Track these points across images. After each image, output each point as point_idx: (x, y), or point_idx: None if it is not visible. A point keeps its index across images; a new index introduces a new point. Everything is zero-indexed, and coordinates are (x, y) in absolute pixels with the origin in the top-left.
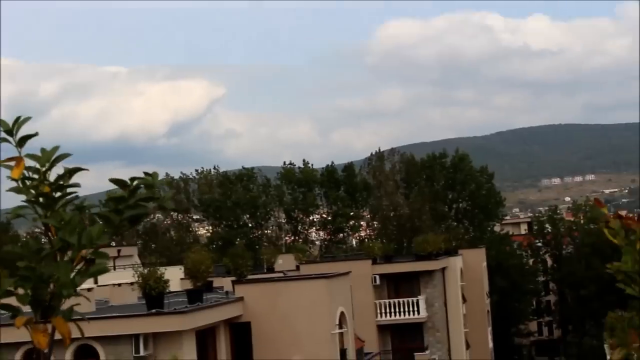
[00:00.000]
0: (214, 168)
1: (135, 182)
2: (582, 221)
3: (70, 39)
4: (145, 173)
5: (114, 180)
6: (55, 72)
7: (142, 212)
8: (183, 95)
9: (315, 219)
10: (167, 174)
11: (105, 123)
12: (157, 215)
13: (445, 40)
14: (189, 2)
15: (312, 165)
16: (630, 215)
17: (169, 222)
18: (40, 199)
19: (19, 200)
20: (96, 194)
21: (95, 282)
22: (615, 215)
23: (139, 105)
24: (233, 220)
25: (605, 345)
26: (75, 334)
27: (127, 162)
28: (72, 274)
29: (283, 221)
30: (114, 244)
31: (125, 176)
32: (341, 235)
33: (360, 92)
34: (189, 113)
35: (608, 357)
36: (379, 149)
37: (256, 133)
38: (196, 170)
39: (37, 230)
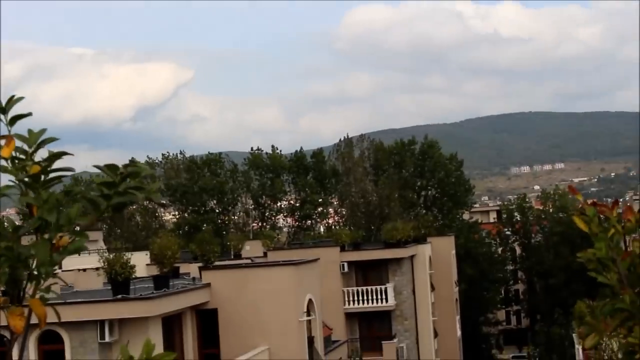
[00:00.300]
0: (180, 153)
1: (128, 169)
2: (551, 210)
3: (35, 20)
4: (133, 160)
5: (106, 166)
6: (18, 53)
7: (131, 199)
8: (150, 78)
9: (283, 206)
10: (132, 159)
11: (70, 106)
12: None
13: (415, 26)
14: None
15: (280, 151)
16: (602, 203)
17: (134, 207)
18: (27, 180)
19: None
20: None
21: (60, 267)
22: (590, 203)
23: (104, 89)
24: (200, 206)
25: (574, 334)
26: (52, 317)
27: (92, 145)
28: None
29: (250, 207)
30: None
31: (90, 160)
32: (309, 222)
33: (329, 77)
34: (156, 97)
35: (576, 345)
36: (347, 135)
37: (223, 118)
38: (163, 155)
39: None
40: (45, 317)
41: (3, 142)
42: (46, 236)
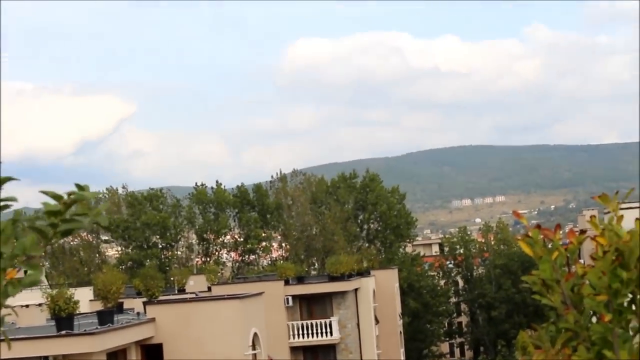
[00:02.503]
0: (123, 187)
1: (71, 197)
2: (492, 242)
3: None
4: (78, 186)
5: (49, 193)
6: None
7: (77, 226)
8: (91, 112)
9: (226, 241)
10: (77, 184)
11: (10, 141)
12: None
13: (356, 60)
14: (101, 18)
15: (224, 186)
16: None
17: (77, 242)
18: None
19: None
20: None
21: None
22: (535, 226)
23: (45, 123)
24: (143, 241)
25: None
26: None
27: (33, 180)
28: (4, 284)
29: (194, 242)
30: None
31: (31, 195)
32: (253, 256)
33: (272, 111)
34: (97, 131)
35: None
36: (280, 171)
37: (165, 152)
38: (107, 189)
39: None
40: None
41: None
42: None
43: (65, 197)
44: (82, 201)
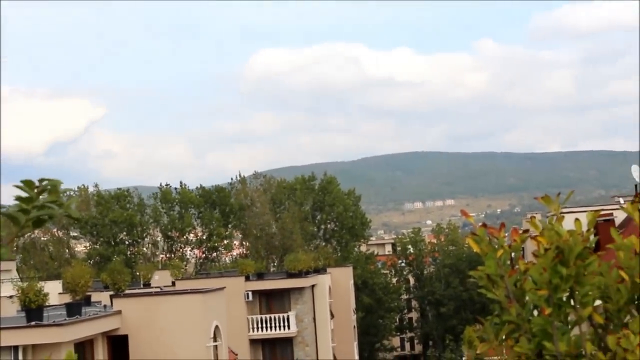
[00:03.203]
0: (94, 186)
1: (44, 184)
2: (442, 243)
3: None
4: (49, 179)
5: (23, 181)
6: None
7: (49, 213)
8: (62, 115)
9: (190, 238)
10: (42, 178)
11: None
12: (36, 231)
13: (315, 69)
14: (74, 24)
15: (187, 186)
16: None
17: (47, 237)
18: None
19: None
20: None
21: None
22: (481, 225)
23: (17, 124)
24: (110, 238)
25: (463, 358)
26: None
27: (3, 179)
28: None
29: (159, 239)
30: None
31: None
32: (215, 253)
33: (235, 116)
34: (68, 133)
35: None
36: (240, 173)
37: (133, 153)
38: (78, 187)
39: None
40: None
41: None
42: None
43: (37, 183)
44: (53, 190)
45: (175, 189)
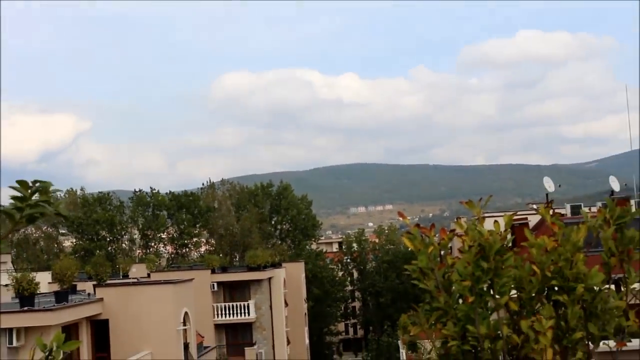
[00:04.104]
0: (81, 189)
1: (37, 185)
2: (382, 242)
3: None
4: (41, 181)
5: (18, 182)
6: None
7: (41, 210)
8: (53, 127)
9: (163, 236)
10: (37, 180)
11: None
12: (29, 227)
13: (273, 90)
14: (63, 45)
15: (158, 191)
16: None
17: (39, 234)
18: None
19: None
20: None
21: None
22: (414, 225)
23: (11, 136)
24: (93, 235)
25: (399, 342)
26: None
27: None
28: None
29: (136, 237)
30: None
31: None
32: (185, 249)
33: (203, 130)
34: (58, 143)
35: (401, 350)
36: (210, 179)
37: (114, 161)
38: (66, 190)
39: None
40: None
41: None
42: None
43: (30, 184)
44: (44, 190)
45: (147, 193)
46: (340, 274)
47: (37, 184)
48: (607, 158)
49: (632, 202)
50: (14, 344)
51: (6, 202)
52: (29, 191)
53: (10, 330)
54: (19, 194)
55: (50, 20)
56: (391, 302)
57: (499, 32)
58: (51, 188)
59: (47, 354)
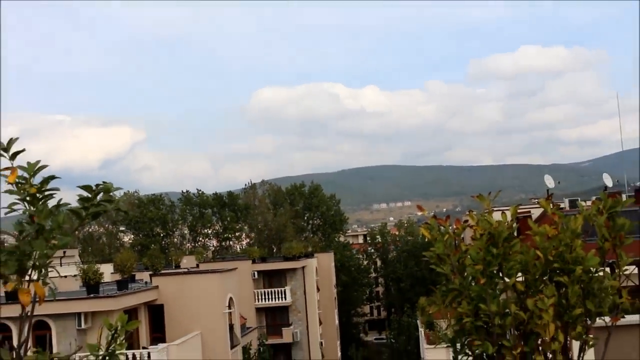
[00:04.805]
0: (136, 192)
1: (99, 187)
2: (402, 234)
3: (27, 93)
4: (104, 182)
5: (83, 187)
6: (16, 118)
7: (103, 209)
8: (112, 138)
9: (209, 231)
10: (103, 182)
11: (52, 158)
12: (93, 225)
13: (304, 102)
14: (122, 62)
15: (204, 192)
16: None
17: (102, 231)
18: (28, 198)
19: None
20: None
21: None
22: (432, 216)
23: (78, 146)
24: (149, 231)
25: (418, 321)
26: (42, 310)
27: (68, 187)
28: (46, 246)
29: (185, 232)
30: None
31: (68, 198)
32: (228, 242)
33: (243, 138)
34: (117, 152)
35: (420, 329)
36: (251, 181)
37: (165, 167)
38: (124, 193)
39: (8, 233)
40: (44, 296)
41: (9, 172)
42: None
43: (94, 187)
44: (106, 191)
45: (194, 194)
46: (365, 262)
47: (100, 186)
48: (600, 158)
49: (624, 196)
50: (83, 326)
51: (73, 203)
52: (94, 192)
53: (79, 314)
54: (85, 195)
55: (111, 44)
56: (410, 287)
57: (503, 48)
58: (112, 189)
59: (113, 332)
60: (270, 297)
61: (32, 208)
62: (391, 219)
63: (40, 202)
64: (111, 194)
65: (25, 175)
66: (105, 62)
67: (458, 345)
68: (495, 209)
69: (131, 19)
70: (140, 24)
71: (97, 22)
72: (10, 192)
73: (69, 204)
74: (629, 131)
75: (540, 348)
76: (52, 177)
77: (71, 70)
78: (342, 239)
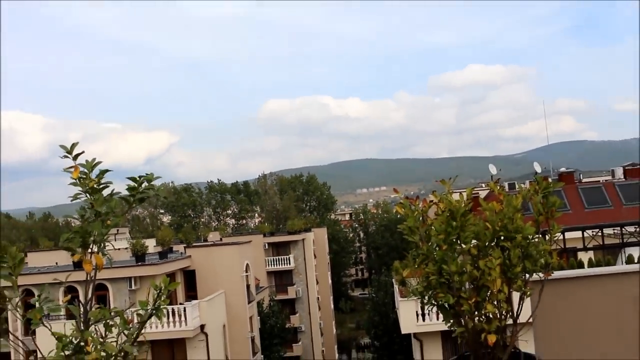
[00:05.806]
0: (172, 182)
1: (142, 178)
2: (380, 212)
3: (86, 105)
4: (147, 174)
5: (130, 178)
6: (76, 126)
7: (147, 195)
8: (153, 141)
9: (229, 212)
10: (148, 173)
11: (106, 158)
12: (139, 209)
13: (301, 111)
14: (161, 81)
15: (223, 182)
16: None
17: (146, 213)
18: (88, 189)
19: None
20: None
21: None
22: (404, 197)
23: (127, 147)
24: (182, 213)
25: (393, 280)
26: (103, 275)
27: (120, 180)
28: (102, 226)
29: (211, 213)
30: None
31: (119, 187)
32: (244, 221)
33: (254, 140)
34: (157, 151)
35: (395, 286)
36: (263, 172)
37: (195, 163)
38: (162, 184)
39: (73, 217)
40: (102, 265)
41: (73, 169)
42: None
43: (138, 178)
44: (149, 180)
45: (216, 184)
46: (351, 235)
47: (142, 178)
48: (531, 150)
49: (550, 180)
50: (133, 287)
51: (123, 191)
52: (139, 182)
53: (130, 278)
54: (132, 185)
55: (151, 71)
56: (387, 253)
57: (454, 67)
58: (154, 179)
59: (158, 291)
60: (277, 263)
61: (91, 197)
62: (371, 200)
63: (98, 192)
64: (152, 183)
65: (86, 171)
66: (150, 80)
67: (425, 298)
68: (453, 190)
69: (172, 51)
70: (178, 56)
71: (145, 55)
72: (74, 184)
73: (120, 193)
74: (553, 129)
75: (489, 298)
76: (106, 171)
77: (125, 91)
78: (332, 217)
